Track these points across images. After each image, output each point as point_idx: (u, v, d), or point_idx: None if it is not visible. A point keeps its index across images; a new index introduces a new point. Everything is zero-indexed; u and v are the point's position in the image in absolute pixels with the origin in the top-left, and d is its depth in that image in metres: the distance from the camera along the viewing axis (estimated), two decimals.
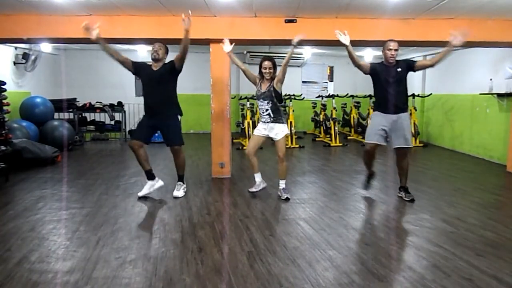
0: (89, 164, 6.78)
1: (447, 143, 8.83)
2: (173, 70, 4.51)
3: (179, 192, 4.74)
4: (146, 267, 2.82)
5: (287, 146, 8.66)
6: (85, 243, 3.28)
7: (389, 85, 4.35)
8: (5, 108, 5.74)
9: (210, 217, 4.00)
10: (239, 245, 3.25)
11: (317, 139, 10.07)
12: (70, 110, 8.99)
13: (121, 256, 3.01)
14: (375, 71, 4.44)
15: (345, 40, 4.32)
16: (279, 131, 4.54)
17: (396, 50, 4.35)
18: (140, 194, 4.65)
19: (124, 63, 4.54)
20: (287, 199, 4.57)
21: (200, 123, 11.31)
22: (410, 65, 4.41)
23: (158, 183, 4.79)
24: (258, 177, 4.78)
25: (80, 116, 9.32)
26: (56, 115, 8.51)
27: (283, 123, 4.58)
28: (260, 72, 4.54)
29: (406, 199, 4.56)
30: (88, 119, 9.60)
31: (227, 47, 4.64)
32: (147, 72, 4.56)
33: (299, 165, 7.07)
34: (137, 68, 4.61)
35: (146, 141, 4.62)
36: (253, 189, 4.79)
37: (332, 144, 9.00)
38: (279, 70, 4.47)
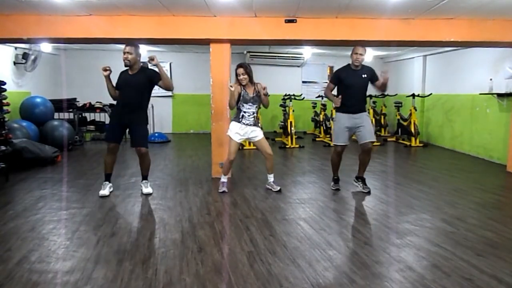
0: (89, 164, 6.78)
1: (447, 143, 8.83)
2: (151, 79, 4.57)
3: (149, 189, 4.83)
4: (146, 267, 2.82)
5: (287, 146, 8.69)
6: (85, 243, 3.28)
7: (354, 88, 4.72)
8: (5, 108, 5.74)
9: (210, 217, 4.00)
10: (239, 245, 3.25)
11: (317, 139, 10.07)
12: (70, 110, 8.97)
13: (121, 256, 3.01)
14: (342, 78, 4.78)
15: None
16: (258, 131, 4.85)
17: (361, 54, 4.67)
18: (103, 193, 4.68)
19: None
20: (280, 190, 4.90)
21: (200, 123, 11.31)
22: (373, 77, 4.79)
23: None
24: (225, 178, 4.96)
25: (80, 116, 9.31)
26: (56, 115, 8.50)
27: (259, 126, 4.99)
28: (237, 80, 4.74)
29: (364, 191, 4.89)
30: (88, 119, 9.60)
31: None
32: (124, 77, 4.62)
33: (299, 165, 7.08)
34: (119, 80, 4.68)
35: (120, 141, 4.75)
36: (224, 188, 4.92)
37: (332, 144, 8.98)
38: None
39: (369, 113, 9.32)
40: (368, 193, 4.85)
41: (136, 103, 4.57)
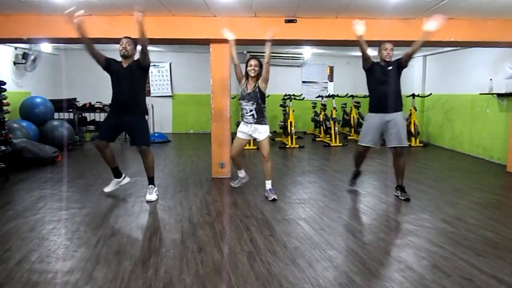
0: (89, 164, 6.78)
1: (447, 143, 8.83)
2: (140, 66, 4.34)
3: (152, 195, 4.52)
4: (146, 267, 2.82)
5: (287, 146, 8.69)
6: (85, 243, 3.28)
7: (382, 84, 4.45)
8: (5, 108, 5.74)
9: (210, 217, 4.00)
10: (239, 245, 3.25)
11: (317, 139, 10.07)
12: (70, 110, 8.97)
13: (121, 256, 3.01)
14: (372, 69, 4.54)
15: (360, 30, 4.35)
16: (262, 131, 4.60)
17: (392, 49, 4.47)
18: (106, 190, 4.77)
19: (98, 57, 4.36)
20: (274, 200, 4.52)
21: (200, 123, 11.31)
22: (400, 62, 4.46)
23: (125, 180, 4.92)
24: (241, 173, 4.99)
25: (80, 116, 9.31)
26: (56, 115, 8.50)
27: (266, 124, 4.65)
28: (246, 72, 4.59)
29: (402, 198, 4.58)
30: (88, 119, 9.59)
31: (230, 35, 4.67)
32: (117, 68, 4.38)
33: (299, 165, 7.07)
34: (108, 64, 4.41)
35: (112, 140, 4.70)
36: (236, 184, 5.05)
37: (332, 144, 9.00)
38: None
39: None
40: (407, 200, 4.51)
41: (133, 95, 4.37)
